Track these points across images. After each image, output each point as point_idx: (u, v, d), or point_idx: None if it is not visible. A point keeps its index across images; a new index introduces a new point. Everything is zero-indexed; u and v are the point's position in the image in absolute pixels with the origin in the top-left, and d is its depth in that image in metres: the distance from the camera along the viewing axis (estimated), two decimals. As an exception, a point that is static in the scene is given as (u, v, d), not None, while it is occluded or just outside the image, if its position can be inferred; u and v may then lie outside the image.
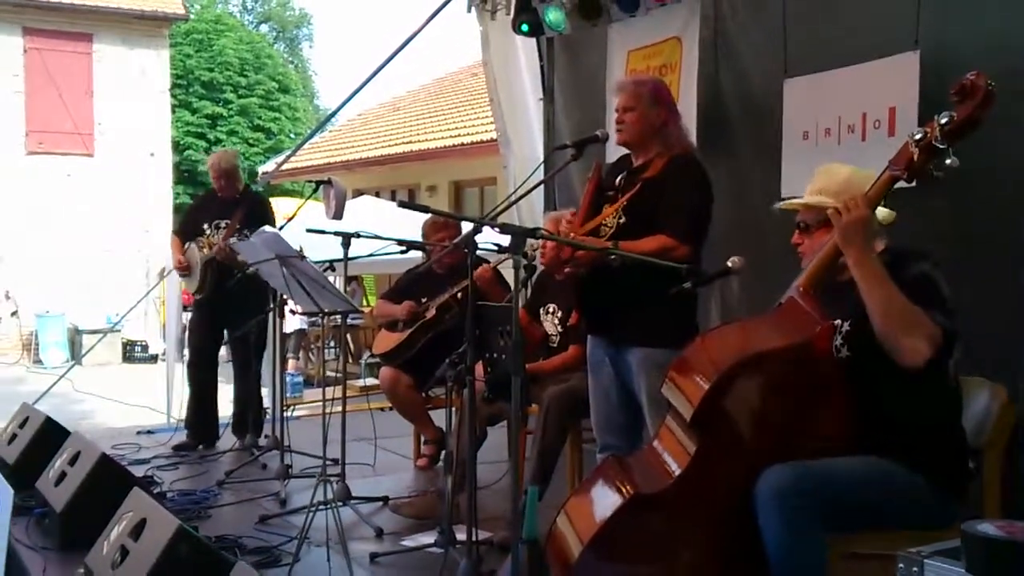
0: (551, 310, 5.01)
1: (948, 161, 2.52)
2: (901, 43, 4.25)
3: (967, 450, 2.80)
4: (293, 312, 6.06)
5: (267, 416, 6.20)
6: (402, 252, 4.73)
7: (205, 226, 6.14)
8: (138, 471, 5.19)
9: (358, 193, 14.57)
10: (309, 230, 4.79)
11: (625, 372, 3.63)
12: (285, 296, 5.12)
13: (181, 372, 6.97)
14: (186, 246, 6.20)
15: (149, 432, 6.85)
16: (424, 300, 5.44)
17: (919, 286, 2.62)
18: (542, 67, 6.94)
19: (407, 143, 15.88)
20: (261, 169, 18.95)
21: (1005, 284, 3.71)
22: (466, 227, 3.75)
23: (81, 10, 17.74)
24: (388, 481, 5.40)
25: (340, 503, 4.36)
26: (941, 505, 2.66)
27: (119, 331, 16.46)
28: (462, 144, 13.97)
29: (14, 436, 5.18)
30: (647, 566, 2.71)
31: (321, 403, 4.66)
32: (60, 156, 17.53)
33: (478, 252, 4.28)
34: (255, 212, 6.05)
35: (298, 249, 4.50)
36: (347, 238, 4.57)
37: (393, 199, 15.35)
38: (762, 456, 2.59)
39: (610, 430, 3.76)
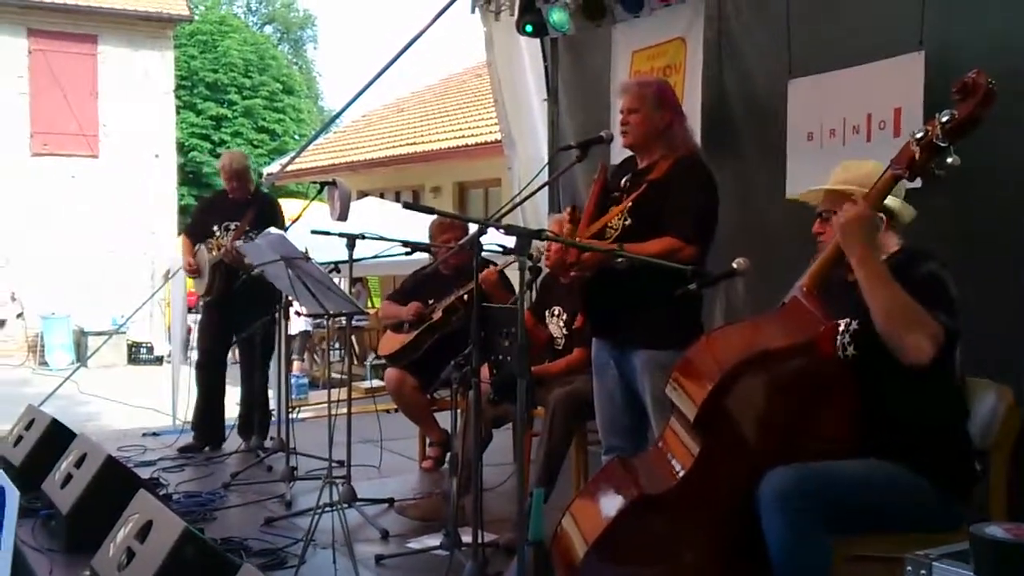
0: (556, 312, 5.01)
1: (950, 159, 2.52)
2: (906, 43, 4.25)
3: (972, 452, 2.79)
4: (299, 314, 6.07)
5: (273, 418, 6.21)
6: (407, 254, 4.73)
7: (215, 227, 6.12)
8: (144, 473, 5.20)
9: (362, 194, 14.60)
10: (314, 231, 4.79)
11: (630, 374, 3.63)
12: (290, 298, 5.12)
13: (186, 374, 6.97)
14: (196, 248, 6.20)
15: (155, 434, 6.86)
16: (431, 301, 5.44)
17: (927, 285, 2.62)
18: (546, 68, 6.94)
19: (411, 144, 15.89)
20: (265, 170, 18.96)
21: (1008, 284, 3.70)
22: (472, 228, 3.76)
23: (85, 11, 17.75)
24: (393, 483, 5.40)
25: (346, 505, 4.36)
26: (945, 507, 2.65)
27: (124, 333, 16.45)
28: (466, 145, 13.97)
29: (20, 438, 5.19)
30: (651, 567, 2.71)
31: (327, 405, 4.66)
32: (65, 157, 17.55)
33: (484, 254, 4.27)
34: (265, 214, 6.04)
35: (303, 251, 4.50)
36: (352, 240, 4.57)
37: (397, 200, 15.36)
38: (765, 457, 2.59)
39: (615, 432, 3.76)
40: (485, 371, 3.77)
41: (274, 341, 6.02)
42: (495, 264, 5.09)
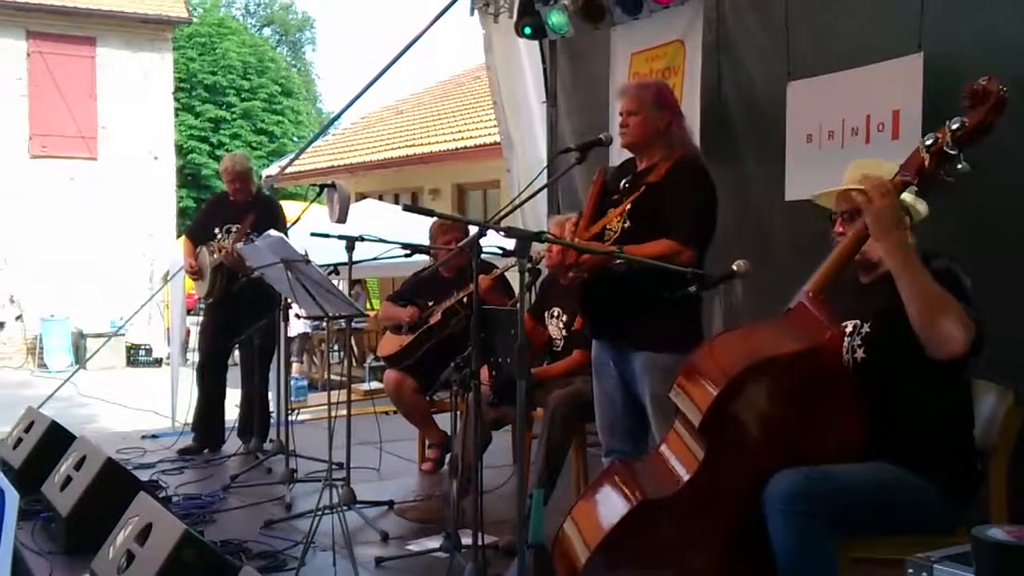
0: (556, 314, 5.01)
1: (959, 166, 2.51)
2: (904, 45, 4.26)
3: (977, 455, 2.80)
4: (298, 316, 6.05)
5: (272, 420, 6.21)
6: (406, 255, 4.73)
7: (216, 230, 6.11)
8: (143, 475, 5.20)
9: (361, 196, 14.59)
10: (313, 234, 4.79)
11: (629, 376, 3.63)
12: (290, 300, 5.12)
13: (186, 376, 6.98)
14: (197, 250, 6.19)
15: (154, 436, 6.86)
16: (430, 303, 5.44)
17: (945, 280, 2.60)
18: (545, 70, 6.94)
19: (410, 146, 15.89)
20: (264, 173, 18.95)
21: (1010, 286, 3.70)
22: (472, 230, 3.76)
23: (84, 14, 17.74)
24: (393, 485, 5.40)
25: (345, 507, 4.36)
26: (949, 510, 2.65)
27: (123, 335, 16.46)
28: (465, 147, 13.98)
29: (20, 440, 5.19)
30: (655, 572, 2.71)
31: (326, 407, 4.66)
32: (64, 160, 17.54)
33: (483, 256, 4.27)
34: (266, 216, 6.01)
35: (303, 253, 4.50)
36: (351, 242, 4.58)
37: (396, 202, 15.42)
38: (770, 462, 2.58)
39: (615, 434, 3.76)
40: (484, 373, 3.77)
41: (274, 343, 6.02)
42: (496, 267, 5.09)
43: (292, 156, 16.72)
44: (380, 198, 15.63)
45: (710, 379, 2.70)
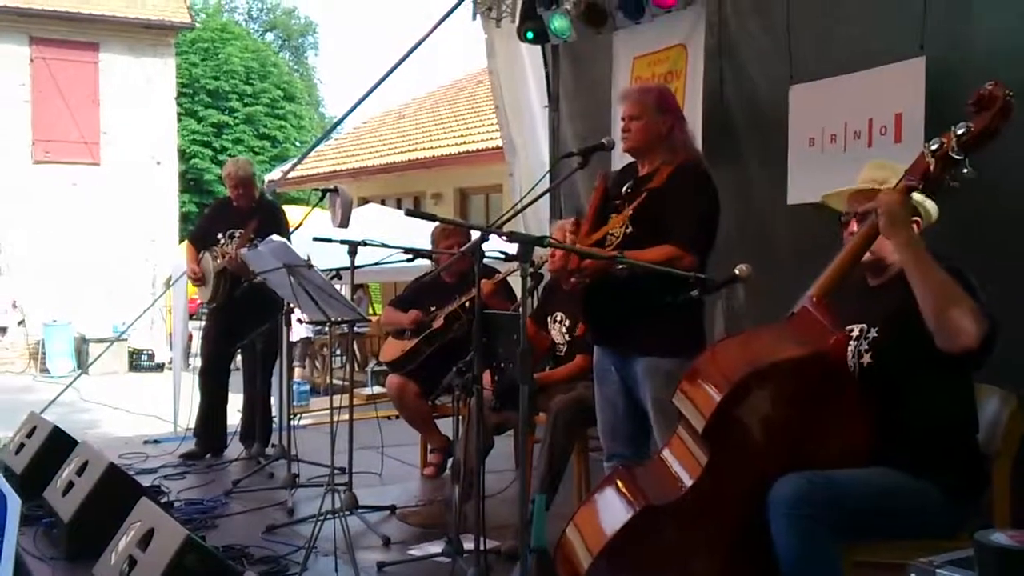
0: (558, 319, 5.01)
1: (965, 171, 2.51)
2: (907, 49, 4.26)
3: (981, 459, 2.79)
4: (300, 321, 6.04)
5: (274, 425, 6.20)
6: (408, 260, 4.73)
7: (219, 235, 6.11)
8: (145, 480, 5.18)
9: (363, 201, 14.60)
10: (316, 239, 4.80)
11: (631, 381, 3.62)
12: (292, 305, 5.12)
13: (188, 381, 6.97)
14: (200, 255, 6.19)
15: (156, 441, 6.85)
16: (432, 308, 5.44)
17: (956, 279, 2.59)
18: (547, 74, 6.95)
19: (412, 151, 15.91)
20: (267, 177, 18.98)
21: (1014, 289, 3.69)
22: (475, 235, 3.75)
23: (87, 19, 17.78)
24: (395, 490, 5.39)
25: (347, 512, 4.36)
26: (954, 515, 2.65)
27: (125, 340, 16.46)
28: (467, 152, 13.99)
29: (22, 445, 5.19)
30: (658, 577, 2.70)
31: (328, 411, 4.66)
32: (66, 165, 17.56)
33: (486, 260, 4.27)
34: (269, 221, 6.01)
35: (306, 258, 4.50)
36: (353, 246, 4.58)
37: (399, 207, 15.43)
38: (774, 467, 2.58)
39: (617, 439, 3.75)
40: (487, 378, 3.77)
41: (276, 348, 6.02)
42: (498, 271, 5.08)
43: (295, 161, 16.71)
44: (382, 202, 15.64)
45: (713, 384, 2.69)
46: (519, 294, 3.04)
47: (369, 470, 5.56)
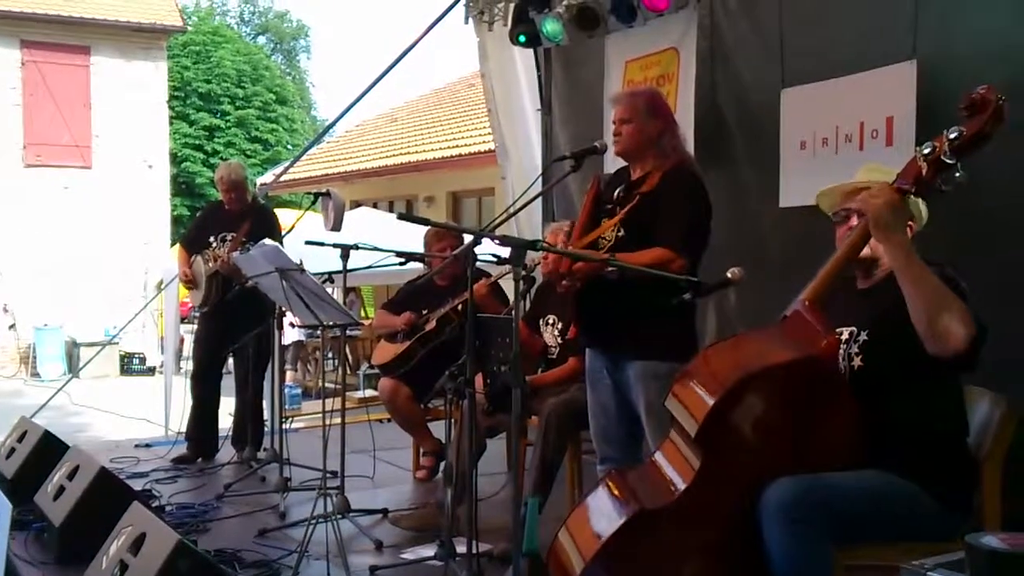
0: (551, 321, 5.01)
1: (957, 175, 2.51)
2: (898, 53, 4.27)
3: (972, 462, 2.79)
4: (293, 325, 6.02)
5: (266, 428, 6.19)
6: (400, 264, 4.72)
7: (211, 239, 6.10)
8: (137, 484, 5.17)
9: (356, 204, 14.61)
10: (308, 242, 4.79)
11: (623, 384, 3.63)
12: (284, 308, 5.11)
13: (179, 384, 6.96)
14: (192, 259, 6.18)
15: (147, 445, 6.83)
16: (425, 311, 5.44)
17: (946, 284, 2.60)
18: (540, 78, 6.95)
19: (405, 154, 15.91)
20: (259, 181, 18.96)
21: (1004, 292, 3.70)
22: (468, 238, 3.75)
23: (78, 23, 17.74)
24: (387, 493, 5.39)
25: (340, 516, 4.35)
26: (945, 519, 2.65)
27: (117, 344, 16.44)
28: (460, 155, 13.99)
29: (12, 450, 5.17)
30: (651, 581, 2.70)
31: (320, 415, 4.65)
32: (58, 168, 17.52)
33: (478, 264, 4.27)
34: (261, 225, 6.01)
35: (298, 262, 4.49)
36: (346, 250, 4.57)
37: (391, 210, 15.42)
38: (767, 471, 2.58)
39: (609, 442, 3.76)
40: (479, 381, 3.76)
41: (268, 351, 6.01)
42: (489, 274, 5.08)
43: (287, 164, 16.74)
44: (375, 206, 15.65)
45: (706, 388, 2.69)
46: (512, 297, 3.03)
47: (361, 473, 5.55)
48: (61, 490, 4.36)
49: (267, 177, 19.30)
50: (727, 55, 5.35)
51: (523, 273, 3.04)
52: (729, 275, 3.05)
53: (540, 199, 6.38)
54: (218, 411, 6.33)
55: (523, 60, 6.97)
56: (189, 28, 25.35)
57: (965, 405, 2.83)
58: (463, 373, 3.49)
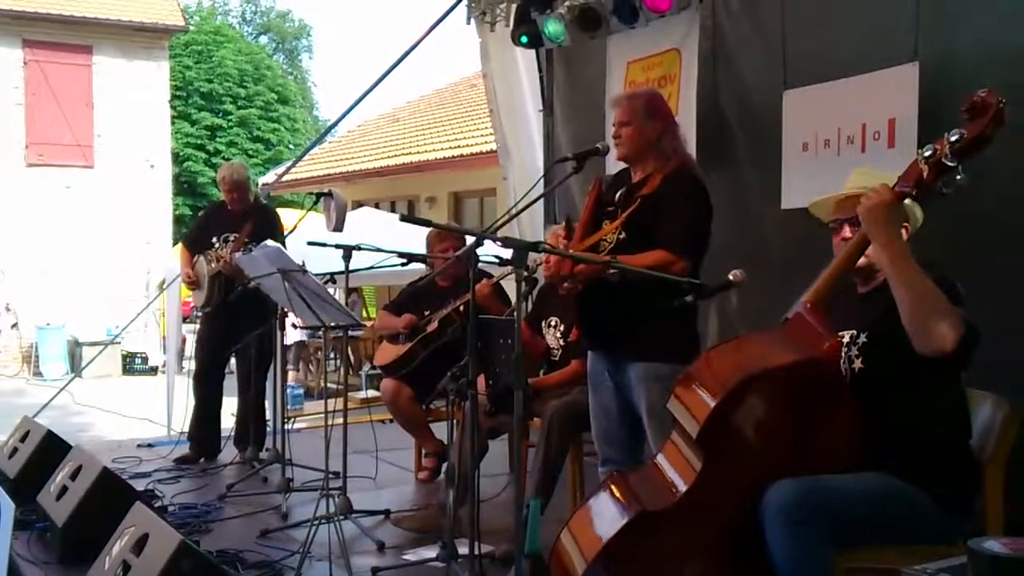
0: (553, 323, 5.01)
1: (958, 178, 2.51)
2: (901, 54, 4.27)
3: (974, 465, 2.79)
4: (295, 326, 6.02)
5: (268, 429, 6.19)
6: (403, 264, 4.73)
7: (214, 239, 6.09)
8: (139, 484, 5.18)
9: (357, 205, 14.60)
10: (310, 243, 4.79)
11: (625, 387, 3.63)
12: (286, 309, 5.12)
13: (182, 384, 6.96)
14: (195, 259, 6.18)
15: (150, 445, 6.84)
16: (427, 312, 5.44)
17: (941, 287, 2.60)
18: (541, 79, 6.95)
19: (407, 154, 15.90)
20: (261, 181, 18.97)
21: (1005, 294, 3.71)
22: (470, 239, 3.75)
23: (81, 22, 17.77)
24: (389, 494, 5.39)
25: (342, 517, 4.35)
26: (948, 522, 2.65)
27: (119, 343, 16.45)
28: (462, 155, 13.99)
29: (15, 450, 5.18)
30: (652, 583, 2.70)
31: (322, 415, 4.65)
32: (60, 168, 17.53)
33: (480, 265, 4.27)
34: (263, 225, 6.01)
35: (300, 263, 4.49)
36: (348, 251, 4.57)
37: (393, 210, 15.42)
38: (768, 472, 2.58)
39: (611, 444, 3.76)
40: (481, 382, 3.77)
41: (271, 352, 6.01)
42: (491, 276, 5.08)
43: (289, 164, 16.72)
44: (376, 206, 15.64)
45: (708, 390, 2.70)
46: (514, 298, 3.03)
47: (363, 474, 5.56)
48: (64, 490, 4.37)
49: (269, 177, 19.32)
50: (729, 56, 5.35)
51: (525, 274, 3.04)
52: (731, 277, 3.05)
53: (542, 200, 6.38)
54: (220, 411, 6.33)
55: (525, 61, 6.97)
56: (191, 28, 25.34)
57: (967, 407, 2.83)
58: (465, 374, 3.49)
